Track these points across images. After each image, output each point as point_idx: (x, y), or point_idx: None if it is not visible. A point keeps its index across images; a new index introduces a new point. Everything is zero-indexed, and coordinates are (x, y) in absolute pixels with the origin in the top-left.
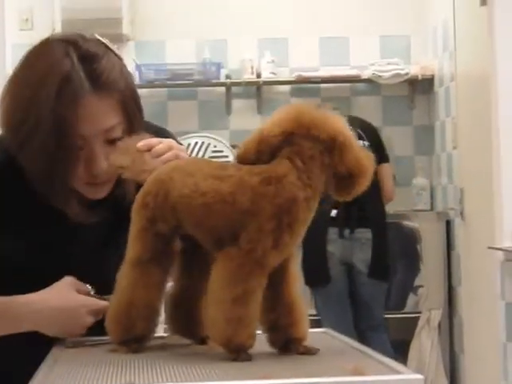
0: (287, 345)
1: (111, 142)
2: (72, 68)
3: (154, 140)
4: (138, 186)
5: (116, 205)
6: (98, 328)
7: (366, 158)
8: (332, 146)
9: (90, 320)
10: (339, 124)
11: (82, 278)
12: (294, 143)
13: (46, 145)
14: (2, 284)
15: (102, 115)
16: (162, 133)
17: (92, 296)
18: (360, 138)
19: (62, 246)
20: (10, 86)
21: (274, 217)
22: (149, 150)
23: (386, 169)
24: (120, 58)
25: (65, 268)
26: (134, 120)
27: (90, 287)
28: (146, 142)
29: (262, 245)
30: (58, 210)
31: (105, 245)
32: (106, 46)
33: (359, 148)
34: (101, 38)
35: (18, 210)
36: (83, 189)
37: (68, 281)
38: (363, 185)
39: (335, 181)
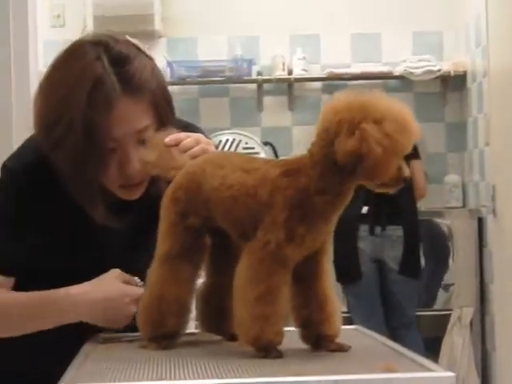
0: (319, 341)
1: (143, 143)
2: (103, 71)
3: (182, 134)
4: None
5: (148, 206)
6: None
7: (371, 141)
8: (331, 136)
9: (133, 309)
10: (344, 110)
11: None
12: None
13: (77, 148)
14: (33, 282)
15: (134, 117)
16: (190, 128)
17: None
18: None
19: (90, 247)
20: (43, 87)
21: (285, 208)
22: (176, 144)
23: (418, 165)
24: (151, 59)
25: (93, 268)
26: (166, 120)
27: (138, 280)
28: (173, 136)
29: (276, 237)
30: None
31: (134, 247)
32: (137, 48)
33: (367, 132)
34: (131, 39)
35: (48, 208)
36: (117, 191)
37: (115, 273)
38: (375, 171)
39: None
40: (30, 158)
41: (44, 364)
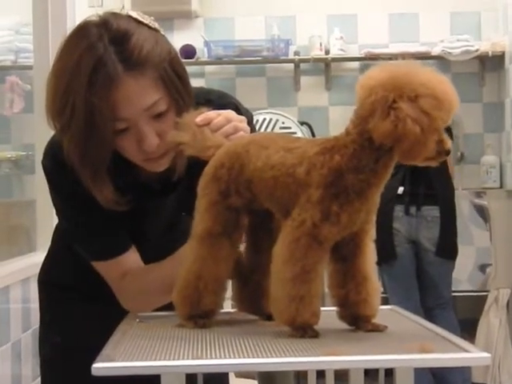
0: (355, 321)
1: (158, 117)
2: (104, 52)
3: (212, 113)
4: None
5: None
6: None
7: (407, 121)
8: (365, 115)
9: None
10: (378, 88)
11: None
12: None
13: (80, 133)
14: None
15: (140, 95)
16: (223, 99)
17: None
18: None
19: (135, 223)
20: (51, 73)
21: (319, 187)
22: (208, 123)
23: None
24: (157, 30)
25: (158, 230)
26: (178, 91)
27: None
28: (204, 116)
29: (311, 216)
30: (138, 185)
31: (171, 227)
32: (138, 21)
33: (402, 111)
34: (132, 14)
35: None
36: (143, 164)
37: None
38: (413, 150)
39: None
40: (59, 151)
41: (90, 337)
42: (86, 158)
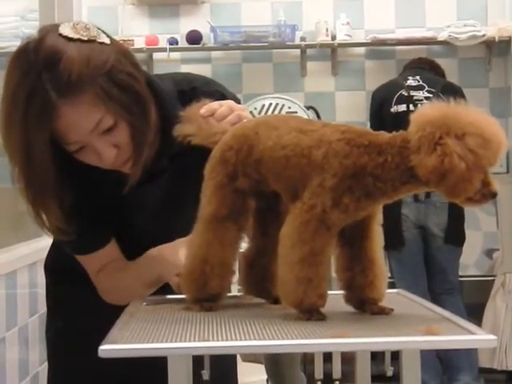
0: (362, 304)
1: (108, 131)
2: (37, 80)
3: (215, 104)
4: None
5: (177, 170)
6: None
7: (453, 158)
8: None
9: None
10: (425, 125)
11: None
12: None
13: (21, 166)
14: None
15: (81, 120)
16: (208, 86)
17: None
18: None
19: (120, 217)
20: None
21: (336, 175)
22: (212, 114)
23: None
24: (91, 40)
25: (147, 226)
26: (121, 101)
27: None
28: (207, 107)
29: (322, 201)
30: (114, 179)
31: (169, 209)
32: (68, 38)
33: (448, 147)
34: (63, 31)
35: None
36: (113, 168)
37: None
38: (457, 187)
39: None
40: None
41: (92, 323)
42: (29, 187)
